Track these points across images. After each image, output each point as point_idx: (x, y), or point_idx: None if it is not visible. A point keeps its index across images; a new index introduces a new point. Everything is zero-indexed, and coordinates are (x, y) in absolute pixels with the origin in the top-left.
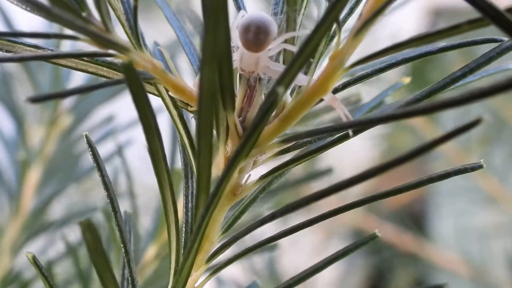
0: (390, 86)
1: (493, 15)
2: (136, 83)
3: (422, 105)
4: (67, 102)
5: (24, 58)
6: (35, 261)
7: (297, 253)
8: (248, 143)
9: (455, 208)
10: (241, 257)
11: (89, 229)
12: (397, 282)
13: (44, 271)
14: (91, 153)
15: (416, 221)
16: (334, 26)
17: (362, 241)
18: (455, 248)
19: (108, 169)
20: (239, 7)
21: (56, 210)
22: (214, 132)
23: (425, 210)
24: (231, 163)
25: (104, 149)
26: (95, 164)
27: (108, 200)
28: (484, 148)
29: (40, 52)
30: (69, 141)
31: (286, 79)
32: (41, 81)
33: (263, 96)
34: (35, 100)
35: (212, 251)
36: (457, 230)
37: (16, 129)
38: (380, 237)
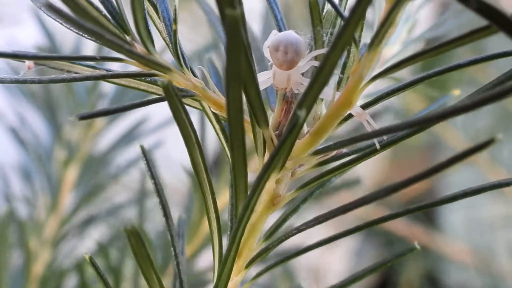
0: (439, 99)
1: (502, 23)
2: (175, 101)
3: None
4: (102, 104)
5: (87, 78)
6: (92, 262)
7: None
8: (275, 159)
9: (464, 201)
10: (281, 264)
11: (133, 234)
12: (408, 274)
13: (101, 272)
14: (145, 163)
15: (426, 213)
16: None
17: (401, 253)
18: (465, 240)
19: (136, 169)
20: (278, 24)
21: (93, 206)
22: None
23: (440, 212)
24: (261, 177)
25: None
26: (149, 173)
27: (161, 207)
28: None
29: (95, 73)
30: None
31: (306, 101)
32: (77, 87)
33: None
34: (82, 117)
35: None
36: (466, 222)
37: (54, 130)
38: (411, 242)
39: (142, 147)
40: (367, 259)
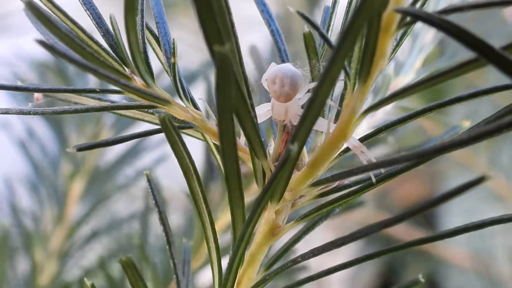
0: (450, 128)
1: (490, 56)
2: (172, 133)
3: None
4: (108, 118)
5: (88, 110)
6: None
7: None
8: (268, 192)
9: (464, 205)
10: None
11: (129, 266)
12: (409, 277)
13: None
14: (151, 191)
15: (426, 218)
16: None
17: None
18: (465, 244)
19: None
20: (281, 55)
21: (97, 219)
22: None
23: (435, 207)
24: (255, 208)
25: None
26: (154, 202)
27: (164, 235)
28: (492, 146)
29: (98, 104)
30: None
31: (299, 135)
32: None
33: (304, 148)
34: (80, 149)
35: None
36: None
37: (61, 142)
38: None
39: (147, 175)
40: (368, 264)
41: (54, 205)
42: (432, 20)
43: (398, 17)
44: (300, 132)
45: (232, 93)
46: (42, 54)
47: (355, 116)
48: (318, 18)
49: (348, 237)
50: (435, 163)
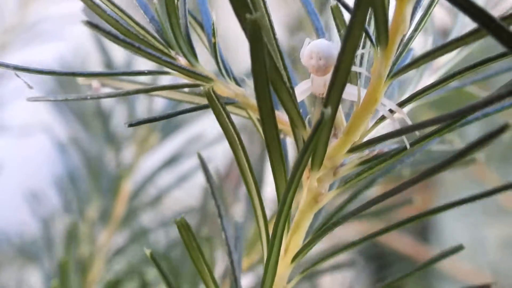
0: None
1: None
2: (217, 105)
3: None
4: (156, 123)
5: (138, 91)
6: (153, 258)
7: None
8: (305, 155)
9: (469, 219)
10: (328, 259)
11: (183, 226)
12: None
13: (163, 269)
14: (202, 167)
15: (429, 232)
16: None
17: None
18: (469, 259)
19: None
20: (317, 33)
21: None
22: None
23: (438, 220)
24: (294, 173)
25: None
26: (206, 177)
27: (216, 208)
28: (504, 160)
29: (142, 87)
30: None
31: (331, 99)
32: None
33: (342, 114)
34: (131, 124)
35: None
36: (471, 241)
37: (112, 146)
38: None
39: (199, 155)
40: (364, 279)
41: (103, 204)
42: None
43: None
44: (331, 97)
45: (266, 59)
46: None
47: (382, 81)
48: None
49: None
50: (444, 177)
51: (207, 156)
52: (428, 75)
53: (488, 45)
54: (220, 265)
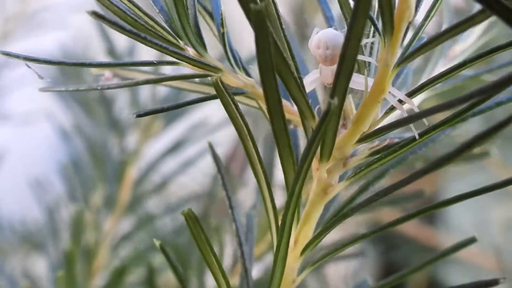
0: None
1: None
2: (225, 95)
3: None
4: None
5: (148, 81)
6: (162, 249)
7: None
8: (313, 145)
9: (474, 201)
10: (337, 252)
11: (191, 218)
12: (413, 278)
13: (172, 258)
14: (213, 157)
15: (434, 214)
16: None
17: None
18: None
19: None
20: (328, 22)
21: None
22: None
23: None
24: (301, 165)
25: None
26: (216, 168)
27: (227, 199)
28: (506, 145)
29: (151, 77)
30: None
31: (338, 89)
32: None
33: (352, 104)
34: (139, 115)
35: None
36: (476, 224)
37: (115, 132)
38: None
39: (210, 144)
40: (369, 262)
41: (108, 191)
42: None
43: None
44: (337, 87)
45: (272, 50)
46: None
47: (390, 69)
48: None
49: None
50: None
51: (212, 141)
52: (443, 65)
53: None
54: (228, 249)
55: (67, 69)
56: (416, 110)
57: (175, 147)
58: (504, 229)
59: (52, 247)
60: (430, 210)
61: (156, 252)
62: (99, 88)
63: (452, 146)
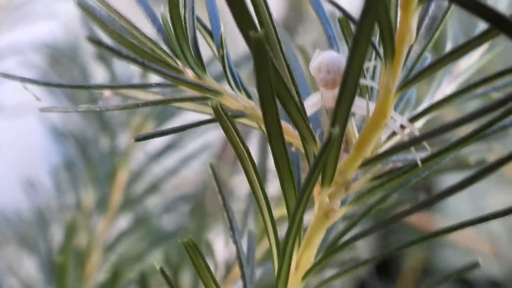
0: None
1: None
2: (225, 120)
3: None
4: (152, 109)
5: (147, 103)
6: (163, 273)
7: None
8: (313, 174)
9: (471, 188)
10: (338, 278)
11: (190, 247)
12: (411, 259)
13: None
14: (214, 178)
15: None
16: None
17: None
18: (472, 227)
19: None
20: (330, 42)
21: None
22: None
23: (442, 189)
24: (303, 190)
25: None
26: (217, 189)
27: (228, 221)
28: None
29: (151, 99)
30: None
31: (339, 117)
32: None
33: (354, 128)
34: (139, 139)
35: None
36: (474, 210)
37: (107, 136)
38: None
39: (211, 164)
40: (365, 247)
41: (99, 194)
42: None
43: None
44: (338, 114)
45: (271, 76)
46: (70, 39)
47: (391, 94)
48: None
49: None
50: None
51: (203, 141)
52: (448, 82)
53: None
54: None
55: (56, 63)
56: (418, 134)
57: (168, 148)
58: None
59: (42, 244)
60: (431, 203)
61: (150, 254)
62: (98, 109)
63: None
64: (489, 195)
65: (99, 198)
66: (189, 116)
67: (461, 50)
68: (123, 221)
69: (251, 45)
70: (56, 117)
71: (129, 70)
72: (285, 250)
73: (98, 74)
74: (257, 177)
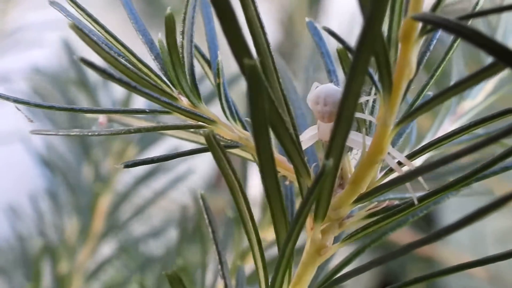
0: None
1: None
2: (217, 150)
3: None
4: (135, 134)
5: (139, 130)
6: None
7: None
8: (304, 209)
9: (468, 211)
10: None
11: (175, 279)
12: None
13: None
14: (205, 210)
15: (430, 224)
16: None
17: None
18: (470, 251)
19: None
20: (330, 76)
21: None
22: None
23: (438, 213)
24: (293, 227)
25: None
26: (207, 221)
27: (217, 254)
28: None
29: (144, 125)
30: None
31: (333, 150)
32: None
33: (350, 163)
34: (127, 166)
35: None
36: (472, 234)
37: (86, 160)
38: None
39: (202, 195)
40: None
41: (80, 221)
42: (450, 26)
43: (419, 24)
44: (333, 148)
45: (266, 106)
46: (57, 67)
47: (388, 129)
48: (323, 20)
49: (388, 256)
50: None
51: (188, 167)
52: (450, 122)
53: None
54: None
55: (42, 92)
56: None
57: (152, 173)
58: (498, 240)
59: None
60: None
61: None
62: (90, 134)
63: None
64: (488, 218)
65: (81, 225)
66: (172, 141)
67: (462, 85)
68: (107, 248)
69: (246, 73)
70: (40, 144)
71: (111, 99)
72: (273, 285)
73: (82, 102)
74: (248, 212)
